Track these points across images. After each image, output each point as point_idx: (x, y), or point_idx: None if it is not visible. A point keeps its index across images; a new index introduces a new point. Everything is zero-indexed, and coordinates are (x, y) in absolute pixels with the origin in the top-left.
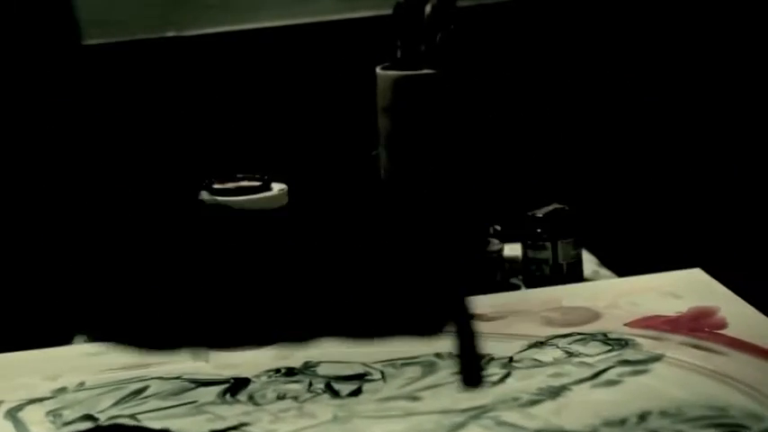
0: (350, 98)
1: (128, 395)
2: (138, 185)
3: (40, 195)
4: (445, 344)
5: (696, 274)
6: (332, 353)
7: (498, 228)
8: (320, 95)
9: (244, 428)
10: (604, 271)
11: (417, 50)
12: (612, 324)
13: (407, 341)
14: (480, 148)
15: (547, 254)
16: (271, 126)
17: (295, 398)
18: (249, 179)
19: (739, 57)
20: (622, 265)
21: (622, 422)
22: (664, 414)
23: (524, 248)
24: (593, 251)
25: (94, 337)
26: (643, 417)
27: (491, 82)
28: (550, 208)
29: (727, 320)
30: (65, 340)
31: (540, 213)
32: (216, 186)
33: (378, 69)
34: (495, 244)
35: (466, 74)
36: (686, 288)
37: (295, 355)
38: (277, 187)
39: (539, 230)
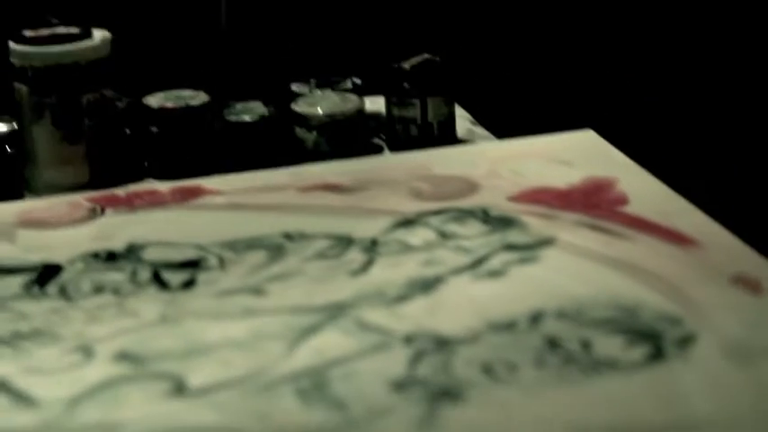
0: None
1: None
2: None
3: None
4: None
5: (589, 138)
6: (162, 232)
7: (358, 81)
8: None
9: (51, 331)
10: (480, 130)
11: None
12: (493, 198)
13: None
14: None
15: (415, 111)
16: None
17: (115, 291)
18: (66, 26)
19: None
20: (501, 126)
21: (510, 325)
22: (560, 315)
23: (389, 105)
24: (467, 108)
25: None
26: (536, 318)
27: None
28: (419, 59)
29: (629, 195)
30: None
31: (407, 65)
32: (28, 34)
33: None
34: (352, 100)
35: None
36: (578, 154)
37: (117, 235)
38: (99, 35)
39: (405, 85)
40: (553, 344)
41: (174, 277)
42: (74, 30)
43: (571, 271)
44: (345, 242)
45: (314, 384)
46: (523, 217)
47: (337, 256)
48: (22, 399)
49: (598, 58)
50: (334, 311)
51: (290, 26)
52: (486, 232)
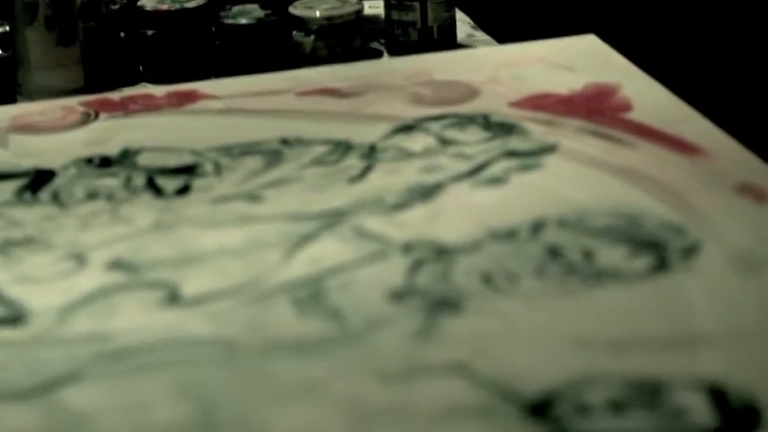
0: None
1: None
2: None
3: None
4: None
5: (591, 42)
6: (156, 137)
7: None
8: None
9: (44, 239)
10: (481, 35)
11: None
12: (494, 103)
13: None
14: None
15: (414, 15)
16: None
17: (109, 197)
18: None
19: None
20: (502, 30)
21: (511, 234)
22: (562, 224)
23: (388, 9)
24: (467, 12)
25: None
26: (537, 227)
27: None
28: None
29: (632, 101)
30: None
31: None
32: None
33: None
34: (351, 3)
35: None
36: (580, 59)
37: (112, 140)
38: None
39: None
40: (554, 253)
41: (168, 183)
42: None
43: (573, 178)
44: (344, 148)
45: (310, 294)
46: (525, 123)
47: (335, 162)
48: (14, 307)
49: None
50: (332, 219)
51: None
52: (486, 138)
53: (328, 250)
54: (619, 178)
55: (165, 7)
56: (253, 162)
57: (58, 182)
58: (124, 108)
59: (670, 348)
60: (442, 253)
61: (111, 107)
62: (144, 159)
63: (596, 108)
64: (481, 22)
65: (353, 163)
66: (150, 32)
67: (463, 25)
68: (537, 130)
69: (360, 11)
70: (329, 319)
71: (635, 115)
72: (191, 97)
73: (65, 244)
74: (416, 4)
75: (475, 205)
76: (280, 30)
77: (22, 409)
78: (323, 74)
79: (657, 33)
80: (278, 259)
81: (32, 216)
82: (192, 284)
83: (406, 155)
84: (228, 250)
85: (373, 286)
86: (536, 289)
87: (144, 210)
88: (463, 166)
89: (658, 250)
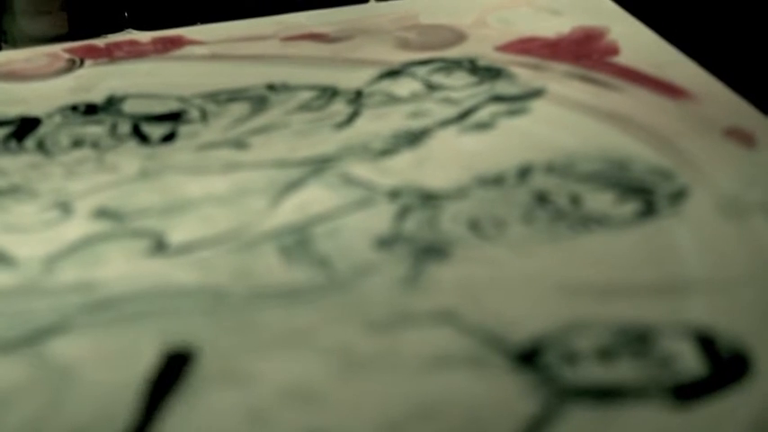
0: None
1: None
2: None
3: None
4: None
5: None
6: (142, 84)
7: None
8: None
9: (29, 187)
10: None
11: None
12: (481, 47)
13: None
14: None
15: None
16: None
17: (94, 145)
18: None
19: None
20: None
21: (498, 179)
22: (550, 169)
23: None
24: None
25: None
26: (524, 172)
27: None
28: None
29: (619, 45)
30: None
31: None
32: None
33: None
34: None
35: None
36: (567, 3)
37: (97, 88)
38: None
39: None
40: (542, 199)
41: (154, 130)
42: None
43: (560, 123)
44: (330, 93)
45: (297, 242)
46: (512, 67)
47: (321, 107)
48: None
49: None
50: (318, 165)
51: None
52: (473, 83)
53: (315, 197)
54: (606, 123)
55: None
56: (239, 108)
57: (42, 129)
58: (109, 54)
59: (658, 295)
60: (429, 199)
61: (97, 54)
62: (129, 106)
63: (583, 52)
64: None
65: (340, 108)
66: None
67: None
68: (524, 74)
69: None
70: (316, 266)
71: (622, 59)
72: (176, 43)
73: (50, 192)
74: None
75: (462, 151)
76: None
77: (7, 361)
78: (309, 18)
79: None
80: (264, 207)
81: (18, 164)
82: (178, 233)
83: (393, 100)
84: (215, 198)
85: (360, 233)
86: (523, 235)
87: (130, 157)
88: (450, 112)
89: (646, 195)
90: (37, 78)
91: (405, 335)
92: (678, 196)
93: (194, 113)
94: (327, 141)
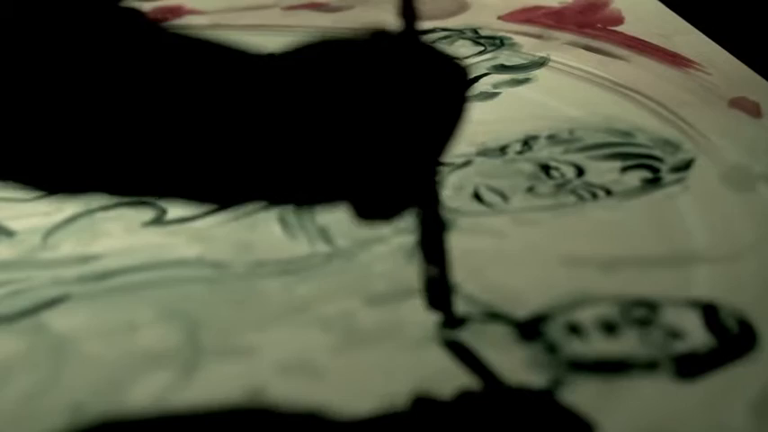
0: None
1: None
2: None
3: None
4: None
5: None
6: None
7: None
8: None
9: None
10: None
11: None
12: (484, 17)
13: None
14: None
15: None
16: None
17: None
18: None
19: None
20: None
21: (503, 149)
22: (553, 139)
23: None
24: None
25: None
26: (528, 143)
27: None
28: None
29: (623, 14)
30: None
31: None
32: None
33: None
34: None
35: None
36: None
37: None
38: None
39: None
40: (546, 169)
41: None
42: None
43: (564, 93)
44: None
45: (298, 213)
46: (515, 37)
47: None
48: None
49: None
50: None
51: None
52: (476, 53)
53: None
54: (611, 92)
55: None
56: None
57: None
58: None
59: (662, 266)
60: None
61: None
62: None
63: (587, 21)
64: None
65: None
66: None
67: None
68: (527, 43)
69: None
70: (317, 238)
71: (626, 28)
72: (176, 12)
73: None
74: None
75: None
76: None
77: (7, 333)
78: None
79: None
80: None
81: None
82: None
83: None
84: None
85: None
86: (527, 206)
87: None
88: None
89: (651, 165)
90: None
91: (405, 307)
92: (683, 166)
93: None
94: None
